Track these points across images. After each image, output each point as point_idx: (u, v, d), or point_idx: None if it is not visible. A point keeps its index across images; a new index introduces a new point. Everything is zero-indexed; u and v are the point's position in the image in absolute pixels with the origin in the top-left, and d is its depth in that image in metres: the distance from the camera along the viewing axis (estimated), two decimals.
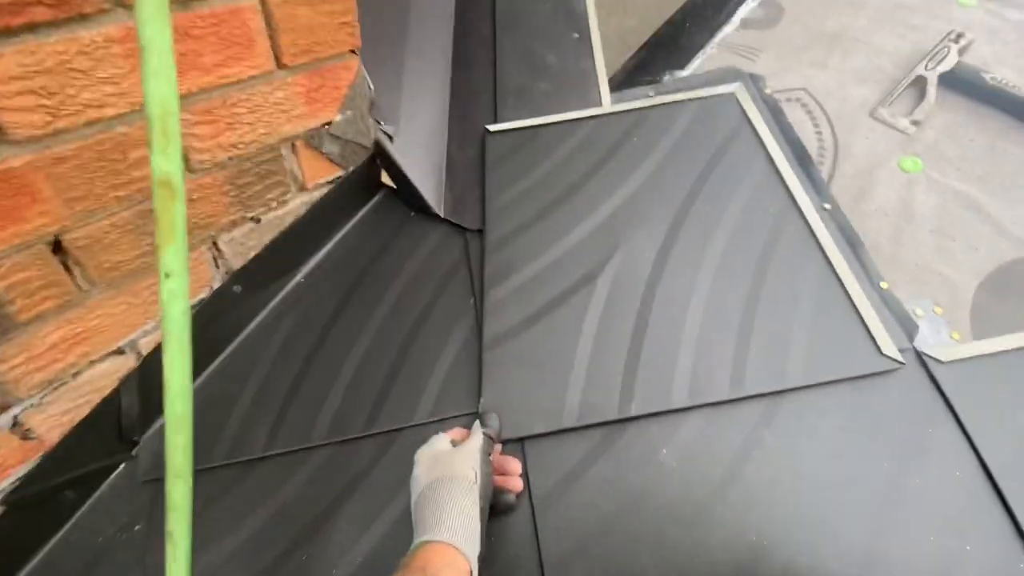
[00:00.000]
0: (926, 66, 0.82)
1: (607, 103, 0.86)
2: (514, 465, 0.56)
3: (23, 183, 0.47)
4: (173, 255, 0.38)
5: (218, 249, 0.65)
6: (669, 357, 0.62)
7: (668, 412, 0.59)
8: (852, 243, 0.67)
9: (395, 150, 0.77)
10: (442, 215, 0.77)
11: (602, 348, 0.63)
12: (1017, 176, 0.71)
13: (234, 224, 0.65)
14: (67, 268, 0.53)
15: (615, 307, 0.66)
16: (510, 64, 0.95)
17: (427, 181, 0.80)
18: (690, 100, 0.84)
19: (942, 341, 0.60)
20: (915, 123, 0.78)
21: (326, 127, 0.68)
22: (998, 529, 0.51)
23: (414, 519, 0.49)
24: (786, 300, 0.64)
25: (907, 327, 0.61)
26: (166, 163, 0.37)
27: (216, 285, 0.67)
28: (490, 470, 0.52)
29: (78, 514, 0.62)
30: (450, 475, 0.49)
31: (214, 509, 0.60)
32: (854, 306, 0.62)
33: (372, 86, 0.73)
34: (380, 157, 0.77)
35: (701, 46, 0.93)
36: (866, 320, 0.61)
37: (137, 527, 0.61)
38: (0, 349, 0.51)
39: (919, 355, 0.59)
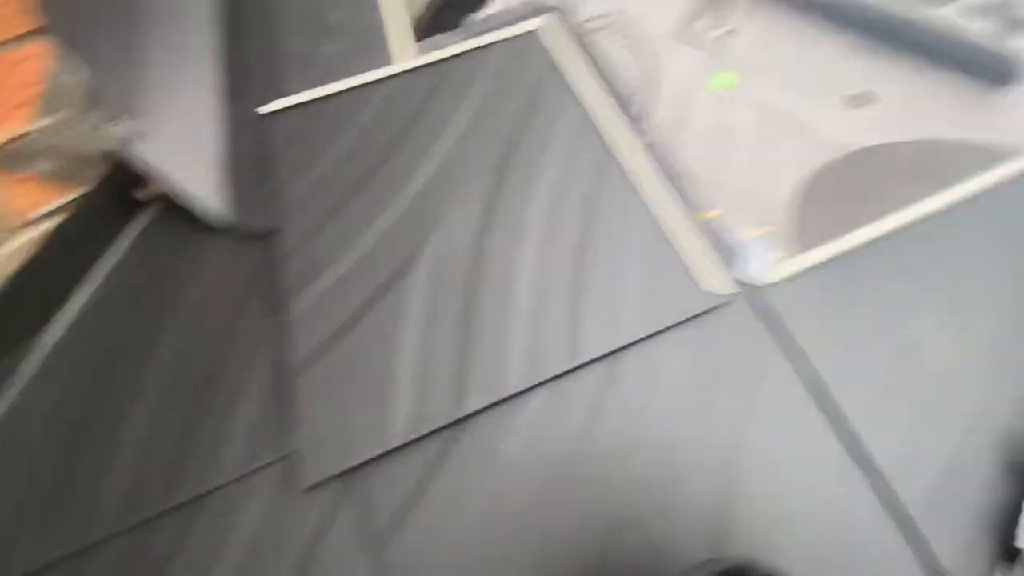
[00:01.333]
0: None
1: (405, 59, 0.75)
2: None
3: None
4: None
5: None
6: (501, 341, 0.56)
7: (508, 399, 0.53)
8: (673, 176, 0.63)
9: (148, 152, 0.62)
10: (225, 224, 0.64)
11: (428, 345, 0.56)
12: (821, 77, 0.70)
13: None
14: None
15: (437, 296, 0.58)
16: (289, 29, 0.80)
17: (200, 185, 0.65)
18: (493, 44, 0.75)
19: (769, 263, 0.58)
20: (728, 34, 0.75)
21: (19, 141, 0.52)
22: (835, 444, 0.50)
23: None
24: (613, 254, 0.59)
25: (733, 256, 0.58)
26: None
27: None
28: None
29: None
30: None
31: None
32: (679, 252, 0.59)
33: (88, 77, 0.57)
34: (126, 167, 0.62)
35: None
36: (690, 260, 0.58)
37: None
38: None
39: (746, 284, 0.57)
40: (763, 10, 0.77)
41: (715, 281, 0.56)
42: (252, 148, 0.69)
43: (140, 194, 0.64)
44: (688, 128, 0.68)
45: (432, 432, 0.52)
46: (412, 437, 0.51)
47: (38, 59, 0.51)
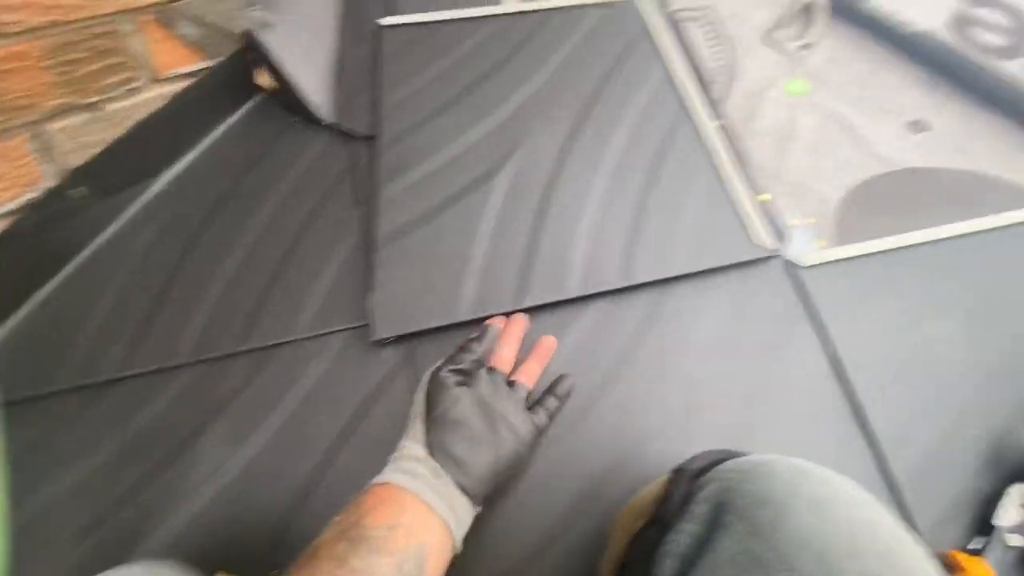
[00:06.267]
0: None
1: (510, 3, 0.81)
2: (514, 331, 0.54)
3: None
4: None
5: (45, 140, 0.55)
6: (565, 251, 0.62)
7: (561, 303, 0.59)
8: (739, 157, 0.69)
9: (273, 43, 0.68)
10: (327, 120, 0.71)
11: (500, 243, 0.62)
12: (886, 100, 0.76)
13: (64, 111, 0.55)
14: None
15: (514, 203, 0.64)
16: None
17: (312, 81, 0.72)
18: (593, 5, 0.81)
19: (810, 248, 0.64)
20: (804, 47, 0.80)
21: (178, 2, 0.58)
22: (842, 413, 0.56)
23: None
24: (674, 200, 0.66)
25: (780, 235, 0.64)
26: None
27: (49, 184, 0.57)
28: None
29: None
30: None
31: (58, 438, 0.53)
32: (736, 208, 0.65)
33: None
34: (253, 50, 0.68)
35: None
36: (744, 220, 0.64)
37: None
38: None
39: (788, 262, 0.63)
40: (842, 30, 0.83)
41: (761, 237, 0.63)
42: (361, 59, 0.75)
43: (260, 79, 0.70)
44: (758, 122, 0.74)
45: (491, 316, 0.57)
46: (475, 317, 0.57)
47: None
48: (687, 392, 0.56)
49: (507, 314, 0.58)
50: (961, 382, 0.58)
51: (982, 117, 0.75)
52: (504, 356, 0.53)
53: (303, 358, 0.58)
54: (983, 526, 0.51)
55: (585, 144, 0.69)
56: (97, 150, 0.59)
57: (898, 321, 0.60)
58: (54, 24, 0.50)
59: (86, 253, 0.62)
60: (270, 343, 0.58)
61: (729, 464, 0.35)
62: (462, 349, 0.50)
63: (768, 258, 0.63)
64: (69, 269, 0.61)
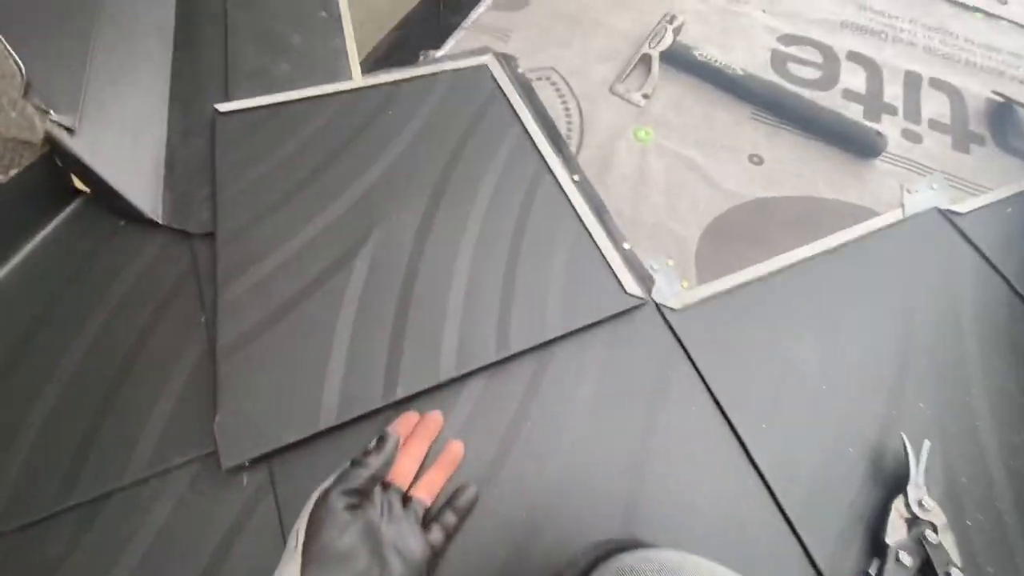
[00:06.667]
0: (649, 45, 0.90)
1: (358, 79, 0.80)
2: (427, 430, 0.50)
3: None
4: None
5: None
6: (435, 332, 0.58)
7: (435, 388, 0.56)
8: (598, 209, 0.70)
9: (80, 145, 0.61)
10: (160, 221, 0.64)
11: (361, 336, 0.57)
12: (724, 138, 0.81)
13: None
14: None
15: (374, 289, 0.61)
16: (246, 44, 0.84)
17: (138, 181, 0.66)
18: (445, 72, 0.82)
19: (675, 291, 0.65)
20: (645, 96, 0.85)
21: None
22: (730, 452, 0.56)
23: None
24: (542, 261, 0.65)
25: (646, 282, 0.65)
26: None
27: None
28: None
29: None
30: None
31: None
32: (604, 259, 0.65)
33: (22, 65, 0.57)
34: (60, 155, 0.61)
35: (455, 26, 0.91)
36: (614, 270, 0.65)
37: None
38: None
39: (657, 306, 0.64)
40: (676, 78, 0.89)
41: (632, 286, 0.63)
42: (196, 152, 0.70)
43: (77, 182, 0.63)
44: (613, 170, 0.76)
45: (361, 417, 0.53)
46: (338, 422, 0.52)
47: None
48: (580, 454, 0.54)
49: (378, 411, 0.53)
50: (827, 402, 0.60)
51: (811, 145, 0.82)
52: (403, 470, 0.48)
53: (143, 502, 0.50)
54: (876, 546, 0.52)
55: (446, 215, 0.68)
56: None
57: (761, 352, 0.62)
58: None
59: None
60: (99, 493, 0.50)
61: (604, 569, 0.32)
62: (355, 463, 0.45)
63: (639, 306, 0.63)
64: None
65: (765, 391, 0.59)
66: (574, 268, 0.65)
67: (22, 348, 0.56)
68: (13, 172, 0.58)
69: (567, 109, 0.83)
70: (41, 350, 0.56)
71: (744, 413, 0.58)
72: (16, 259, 0.61)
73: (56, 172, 0.63)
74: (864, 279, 0.69)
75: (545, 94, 0.83)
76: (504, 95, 0.81)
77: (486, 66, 0.84)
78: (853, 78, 0.92)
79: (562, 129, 0.79)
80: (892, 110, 0.88)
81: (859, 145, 0.82)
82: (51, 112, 0.59)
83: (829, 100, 0.88)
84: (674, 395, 0.58)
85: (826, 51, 0.96)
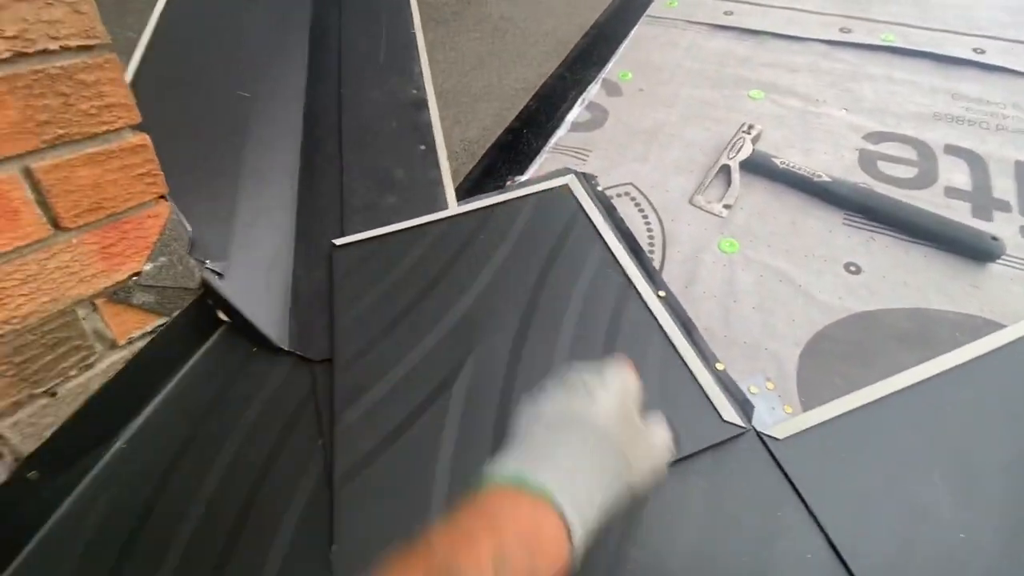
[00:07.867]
0: (728, 155, 0.92)
1: (453, 207, 0.88)
2: None
3: None
4: None
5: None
6: None
7: None
8: (687, 327, 0.70)
9: (226, 287, 0.72)
10: (285, 348, 0.73)
11: (463, 459, 0.60)
12: (816, 247, 0.79)
13: (18, 406, 0.56)
14: None
15: (473, 412, 0.64)
16: (357, 180, 0.95)
17: (269, 312, 0.75)
18: (529, 195, 0.88)
19: (777, 417, 0.62)
20: (727, 206, 0.86)
21: (134, 279, 0.62)
22: None
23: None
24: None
25: (745, 408, 0.63)
26: None
27: (1, 478, 0.57)
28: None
29: None
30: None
31: None
32: (696, 381, 0.64)
33: (189, 227, 0.69)
34: (210, 296, 0.72)
35: (538, 150, 0.99)
36: (708, 394, 0.63)
37: None
38: None
39: (759, 435, 0.61)
40: (758, 186, 0.89)
41: (732, 415, 0.61)
42: (317, 282, 0.79)
43: (222, 315, 0.74)
44: (699, 285, 0.76)
45: None
46: None
47: (159, 217, 0.63)
48: None
49: None
50: (968, 553, 0.53)
51: (914, 250, 0.78)
52: None
53: None
54: None
55: (536, 338, 0.71)
56: (50, 432, 0.60)
57: (881, 491, 0.57)
58: (6, 335, 0.53)
59: (34, 543, 0.59)
60: None
61: None
62: None
63: (739, 435, 0.61)
64: (16, 565, 0.58)
65: (890, 538, 0.54)
66: (666, 392, 0.64)
67: (168, 475, 0.64)
68: (176, 313, 0.69)
69: (648, 222, 0.85)
70: (184, 475, 0.64)
71: (869, 564, 0.53)
72: (171, 384, 0.71)
73: (205, 309, 0.73)
74: (999, 402, 0.62)
75: (625, 209, 0.87)
76: (585, 213, 0.85)
77: (567, 186, 0.90)
78: (955, 174, 0.88)
79: (643, 243, 0.82)
80: (1005, 206, 0.83)
81: (971, 249, 0.77)
82: (206, 262, 0.71)
83: (930, 200, 0.84)
84: (784, 540, 0.55)
85: (920, 147, 0.93)
